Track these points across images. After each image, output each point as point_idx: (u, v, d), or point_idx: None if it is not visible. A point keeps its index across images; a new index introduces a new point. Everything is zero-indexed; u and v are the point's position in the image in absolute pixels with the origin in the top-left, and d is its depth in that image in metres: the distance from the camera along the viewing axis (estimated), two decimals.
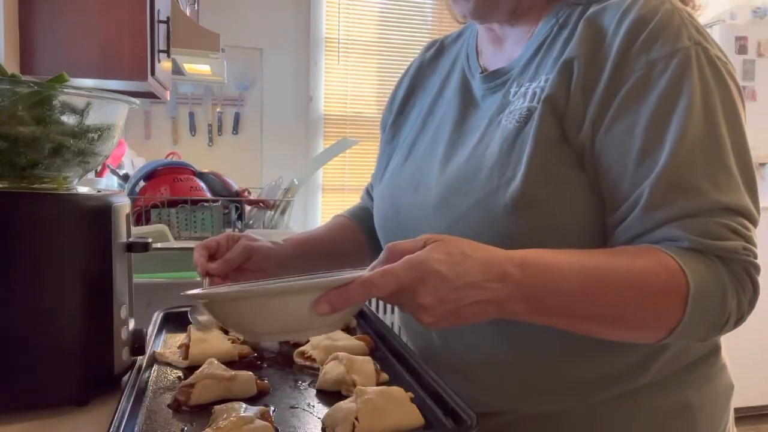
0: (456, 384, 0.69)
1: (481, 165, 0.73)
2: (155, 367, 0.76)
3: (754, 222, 0.65)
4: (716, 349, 0.80)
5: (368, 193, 1.07)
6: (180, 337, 0.83)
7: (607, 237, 0.69)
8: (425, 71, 0.96)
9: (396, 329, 0.91)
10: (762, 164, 3.15)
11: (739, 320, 0.65)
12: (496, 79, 0.80)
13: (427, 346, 0.83)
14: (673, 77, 0.65)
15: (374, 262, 0.59)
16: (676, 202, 0.63)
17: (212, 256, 0.86)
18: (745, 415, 3.12)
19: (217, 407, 0.60)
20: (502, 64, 0.81)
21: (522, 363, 0.75)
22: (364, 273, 0.56)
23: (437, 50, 0.96)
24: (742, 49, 3.17)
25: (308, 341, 0.81)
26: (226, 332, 0.86)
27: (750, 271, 0.64)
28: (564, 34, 0.73)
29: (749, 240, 0.63)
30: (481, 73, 0.83)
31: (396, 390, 0.63)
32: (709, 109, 0.65)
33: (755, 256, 0.64)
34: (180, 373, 0.74)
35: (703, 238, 0.62)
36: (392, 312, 3.39)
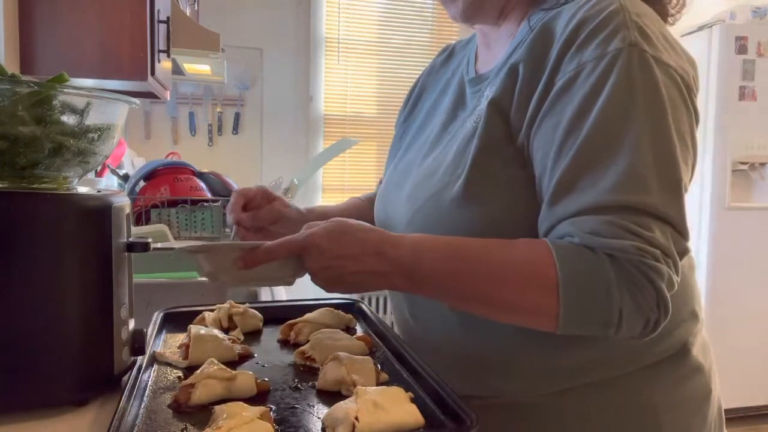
0: (432, 366, 0.72)
1: (441, 163, 0.78)
2: (155, 367, 0.76)
3: (669, 223, 0.63)
4: (684, 350, 0.79)
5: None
6: (180, 337, 0.83)
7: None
8: (435, 74, 1.00)
9: (396, 329, 0.91)
10: (762, 164, 3.15)
11: (648, 323, 0.64)
12: (480, 83, 0.83)
13: (408, 329, 0.89)
14: (597, 79, 0.65)
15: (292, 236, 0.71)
16: (571, 199, 0.65)
17: (245, 205, 0.96)
18: (745, 415, 3.12)
19: (217, 407, 0.60)
20: (489, 67, 0.84)
21: (477, 349, 0.78)
22: (264, 241, 0.71)
23: (448, 54, 1.00)
24: (742, 49, 3.17)
25: (308, 341, 0.81)
26: (225, 332, 0.86)
27: (646, 272, 0.62)
28: (529, 39, 0.75)
29: (649, 241, 0.62)
30: (472, 77, 0.87)
31: (396, 390, 0.63)
32: (627, 110, 0.64)
33: (655, 258, 0.62)
34: (180, 373, 0.74)
35: (591, 235, 0.63)
36: (392, 312, 3.39)
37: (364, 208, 1.08)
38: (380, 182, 1.11)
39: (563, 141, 0.66)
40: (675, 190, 0.64)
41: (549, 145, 0.68)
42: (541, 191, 0.70)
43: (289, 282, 0.74)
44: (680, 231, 0.64)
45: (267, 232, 0.95)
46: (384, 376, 0.72)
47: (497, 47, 0.84)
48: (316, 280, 0.69)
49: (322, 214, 1.04)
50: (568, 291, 0.63)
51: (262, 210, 0.96)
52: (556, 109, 0.67)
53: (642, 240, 0.62)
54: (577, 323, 0.64)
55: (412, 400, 0.62)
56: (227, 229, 0.97)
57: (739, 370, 2.98)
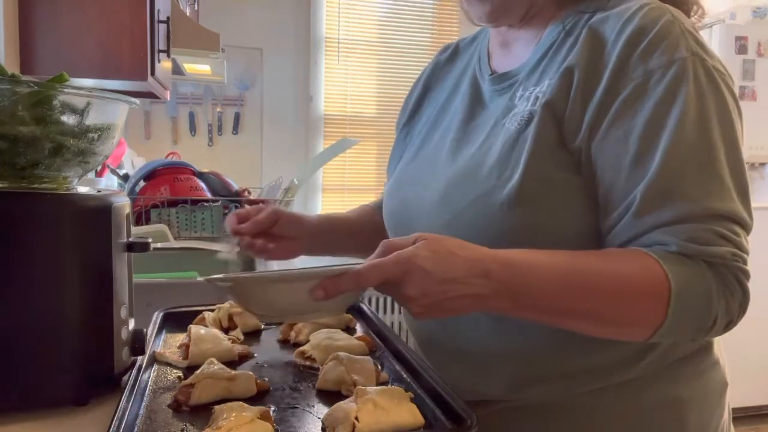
0: (455, 372, 0.71)
1: (482, 164, 0.75)
2: (155, 367, 0.76)
3: (746, 228, 0.67)
4: (708, 346, 0.81)
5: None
6: (180, 337, 0.83)
7: (600, 239, 0.71)
8: (440, 73, 0.98)
9: (396, 329, 0.91)
10: (762, 164, 3.15)
11: (729, 324, 0.67)
12: (504, 81, 0.82)
13: (430, 335, 0.85)
14: (668, 87, 0.66)
15: (371, 256, 0.63)
16: (666, 208, 0.65)
17: (242, 221, 0.93)
18: (745, 415, 3.12)
19: (217, 407, 0.60)
20: (511, 66, 0.83)
21: (516, 352, 0.76)
22: (358, 266, 0.61)
23: (453, 52, 0.99)
24: (742, 49, 3.17)
25: (308, 341, 0.81)
26: (225, 332, 0.86)
27: (739, 276, 0.65)
28: (569, 41, 0.75)
29: (739, 246, 0.65)
30: (491, 75, 0.85)
31: (396, 390, 0.63)
32: (703, 119, 0.66)
33: (744, 262, 0.65)
34: (180, 373, 0.74)
35: (690, 243, 0.64)
36: (392, 312, 3.40)
37: (374, 216, 1.05)
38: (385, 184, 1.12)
39: (641, 149, 0.66)
40: (747, 195, 0.68)
41: (621, 152, 0.67)
42: (609, 198, 0.69)
43: (341, 312, 0.69)
44: (749, 235, 0.68)
45: (271, 234, 0.93)
46: (384, 376, 0.72)
47: (517, 47, 0.84)
48: (413, 306, 0.61)
49: (329, 217, 1.03)
50: (679, 302, 0.63)
51: (260, 215, 0.93)
52: (625, 116, 0.67)
53: (734, 246, 0.65)
54: (674, 332, 0.65)
55: (412, 400, 0.62)
56: (229, 244, 0.93)
57: (740, 369, 2.97)
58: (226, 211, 2.09)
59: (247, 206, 0.96)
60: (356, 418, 0.57)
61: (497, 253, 0.63)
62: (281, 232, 0.93)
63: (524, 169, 0.70)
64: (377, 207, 1.07)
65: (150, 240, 0.75)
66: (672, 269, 0.63)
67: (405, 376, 0.73)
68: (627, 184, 0.67)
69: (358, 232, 1.04)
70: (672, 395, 0.77)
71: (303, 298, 0.62)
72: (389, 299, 3.73)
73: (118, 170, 2.33)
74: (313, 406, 0.66)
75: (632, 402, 0.77)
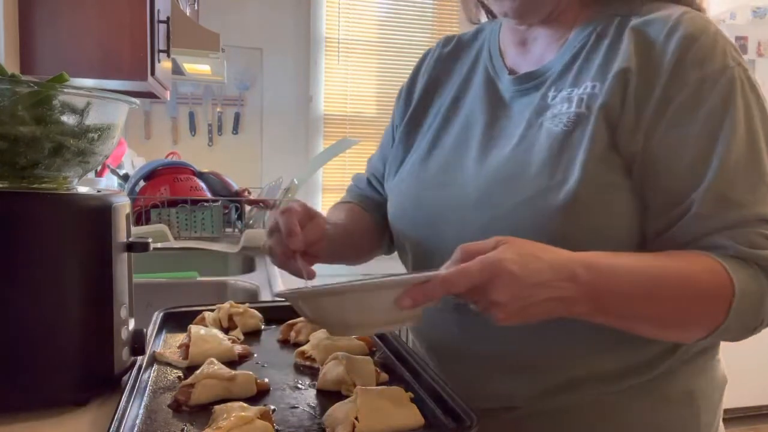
0: (475, 379, 0.71)
1: (526, 165, 0.74)
2: (155, 367, 0.75)
3: None
4: (715, 342, 0.83)
5: (370, 182, 1.04)
6: (180, 337, 0.83)
7: (642, 241, 0.72)
8: (444, 66, 0.96)
9: (421, 343, 0.90)
10: None
11: (764, 324, 0.69)
12: (528, 81, 0.81)
13: (445, 342, 0.83)
14: (721, 94, 0.69)
15: (447, 262, 0.62)
16: (723, 213, 0.67)
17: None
18: (744, 415, 3.12)
19: (217, 407, 0.60)
20: (532, 66, 0.82)
21: (547, 358, 0.76)
22: (441, 272, 0.60)
23: (456, 46, 0.96)
24: (742, 49, 3.17)
25: (308, 341, 0.81)
26: (225, 332, 0.86)
27: None
28: (605, 43, 0.75)
29: None
30: (510, 74, 0.84)
31: (396, 390, 0.63)
32: (750, 126, 0.69)
33: None
34: (180, 373, 0.74)
35: (746, 248, 0.66)
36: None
37: (362, 215, 0.99)
38: (368, 180, 1.04)
39: (698, 155, 0.68)
40: None
41: (678, 157, 0.69)
42: (663, 200, 0.70)
43: (418, 323, 0.65)
44: None
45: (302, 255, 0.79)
46: (384, 376, 0.72)
47: (536, 46, 0.83)
48: (500, 312, 0.60)
49: (341, 227, 0.92)
50: (739, 304, 0.65)
51: (306, 229, 0.79)
52: (682, 123, 0.69)
53: None
54: (727, 333, 0.68)
55: (412, 400, 0.62)
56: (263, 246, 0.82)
57: (739, 369, 2.97)
58: (226, 211, 2.09)
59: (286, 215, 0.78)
60: (356, 418, 0.57)
61: (581, 256, 0.63)
62: (314, 251, 0.81)
63: (582, 173, 0.70)
64: (367, 208, 1.00)
65: (150, 240, 0.75)
66: (734, 272, 0.65)
67: (405, 376, 0.73)
68: (683, 188, 0.69)
69: (352, 243, 0.96)
70: (688, 390, 0.79)
71: (385, 308, 0.60)
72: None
73: (118, 170, 2.33)
74: (313, 406, 0.66)
75: (654, 399, 0.77)
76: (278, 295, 0.69)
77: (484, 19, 0.97)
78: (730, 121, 0.68)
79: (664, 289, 0.65)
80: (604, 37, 0.75)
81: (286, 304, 1.00)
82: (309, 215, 0.80)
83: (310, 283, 0.74)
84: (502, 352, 0.78)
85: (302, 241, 0.76)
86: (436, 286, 0.59)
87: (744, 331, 0.69)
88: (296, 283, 0.81)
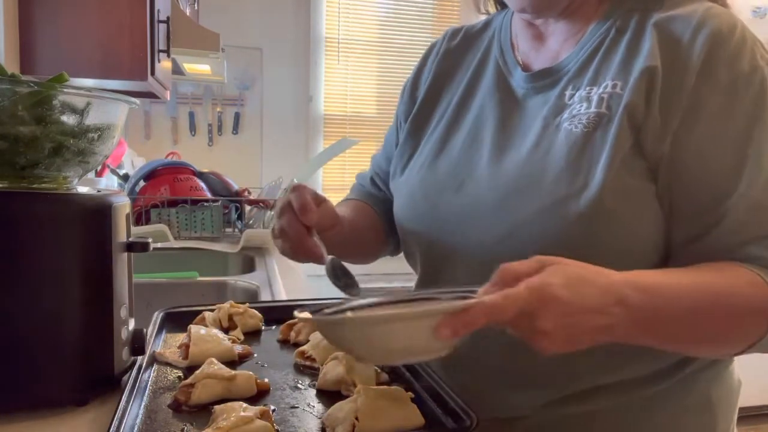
0: (483, 390, 0.69)
1: (544, 169, 0.71)
2: (155, 367, 0.75)
3: None
4: None
5: (373, 181, 1.01)
6: (180, 337, 0.83)
7: (665, 248, 0.70)
8: (451, 60, 0.92)
9: None
10: None
11: None
12: (544, 79, 0.78)
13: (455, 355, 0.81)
14: (753, 96, 0.66)
15: (486, 285, 0.56)
16: (760, 222, 0.65)
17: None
18: (745, 415, 3.11)
19: (217, 407, 0.60)
20: (546, 62, 0.79)
21: (559, 370, 0.74)
22: (482, 297, 0.53)
23: (463, 39, 0.92)
24: None
25: (308, 341, 0.81)
26: (225, 332, 0.86)
27: None
28: (625, 39, 0.72)
29: None
30: (523, 70, 0.81)
31: (396, 390, 0.63)
32: None
33: None
34: (180, 373, 0.74)
35: None
36: None
37: (369, 213, 0.96)
38: (371, 179, 1.01)
39: (732, 161, 0.66)
40: None
41: (709, 162, 0.66)
42: (692, 206, 0.67)
43: (450, 350, 0.56)
44: None
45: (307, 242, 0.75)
46: (384, 376, 0.72)
47: (552, 42, 0.80)
48: (546, 342, 0.55)
49: (349, 221, 0.87)
50: None
51: (323, 219, 0.76)
52: (714, 126, 0.66)
53: None
54: (760, 348, 0.65)
55: (412, 400, 0.62)
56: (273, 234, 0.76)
57: (739, 369, 2.98)
58: (226, 210, 2.09)
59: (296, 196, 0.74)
60: (356, 418, 0.57)
61: (628, 277, 0.59)
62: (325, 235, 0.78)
63: (603, 178, 0.66)
64: (375, 205, 0.97)
65: (150, 240, 0.75)
66: None
67: (405, 376, 0.73)
68: (717, 193, 0.66)
69: (359, 240, 0.93)
70: (705, 396, 0.77)
71: (421, 338, 0.53)
72: None
73: (118, 170, 2.33)
74: (313, 406, 0.66)
75: (672, 407, 0.76)
76: (303, 319, 0.61)
77: (492, 9, 0.94)
78: (763, 124, 0.66)
79: (711, 304, 0.63)
80: (624, 32, 0.72)
81: (286, 304, 1.00)
82: (319, 198, 0.77)
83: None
84: (512, 365, 0.75)
85: (317, 215, 0.72)
86: (479, 313, 0.52)
87: None
88: (299, 288, 0.78)
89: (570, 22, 0.78)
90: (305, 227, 0.74)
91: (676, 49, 0.68)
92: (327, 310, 0.58)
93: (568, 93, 0.74)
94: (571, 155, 0.69)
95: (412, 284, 0.90)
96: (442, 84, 0.90)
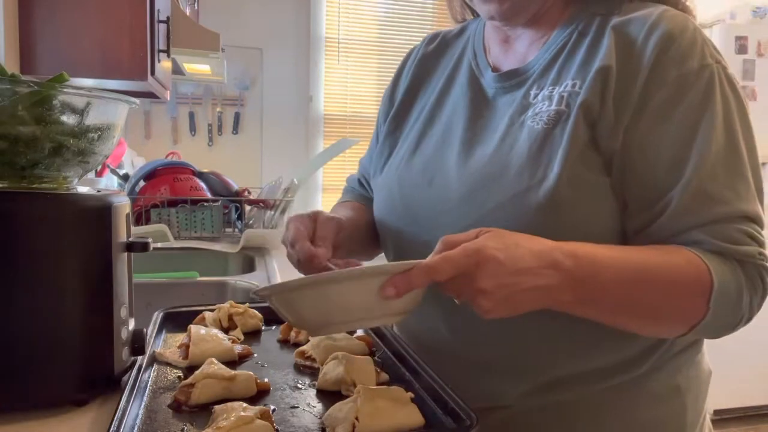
0: (466, 379, 0.71)
1: (507, 164, 0.74)
2: (155, 367, 0.76)
3: (763, 228, 0.70)
4: (700, 338, 0.84)
5: (361, 183, 1.06)
6: (180, 337, 0.83)
7: (623, 238, 0.73)
8: (428, 64, 0.96)
9: (395, 329, 0.91)
10: (763, 164, 3.16)
11: (747, 321, 0.70)
12: (511, 79, 0.81)
13: (439, 344, 0.83)
14: (701, 92, 0.69)
15: (433, 252, 0.61)
16: (703, 209, 0.68)
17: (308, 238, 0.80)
18: (744, 415, 3.12)
19: (217, 407, 0.60)
20: (515, 64, 0.83)
21: (535, 358, 0.77)
22: (418, 261, 0.58)
23: (440, 44, 0.97)
24: (742, 49, 3.17)
25: (308, 341, 0.81)
26: (225, 332, 0.86)
27: (762, 274, 0.69)
28: (586, 42, 0.75)
29: (763, 245, 0.68)
30: (493, 71, 0.84)
31: (396, 390, 0.63)
32: (729, 124, 0.70)
33: (767, 261, 0.69)
34: (180, 373, 0.74)
35: (725, 243, 0.67)
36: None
37: (365, 211, 0.98)
38: (359, 180, 1.05)
39: (677, 152, 0.69)
40: (762, 195, 0.71)
41: (656, 154, 0.69)
42: (642, 197, 0.70)
43: (400, 317, 0.62)
44: None
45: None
46: (384, 376, 0.72)
47: (519, 45, 0.84)
48: (486, 301, 0.59)
49: (350, 220, 0.90)
50: (719, 297, 0.66)
51: (322, 230, 0.80)
52: (661, 119, 0.69)
53: (759, 245, 0.68)
54: (709, 328, 0.68)
55: (412, 400, 0.62)
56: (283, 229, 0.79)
57: (739, 369, 2.98)
58: (226, 210, 2.09)
59: (296, 222, 0.80)
60: (356, 418, 0.57)
61: (564, 245, 0.63)
62: (336, 243, 0.81)
63: (560, 170, 0.70)
64: (364, 202, 1.00)
65: (150, 240, 0.75)
66: (713, 266, 0.66)
67: (405, 376, 0.73)
68: (663, 184, 0.69)
69: (366, 234, 0.96)
70: (673, 385, 0.80)
71: (367, 299, 0.57)
72: None
73: (118, 170, 2.33)
74: (313, 406, 0.66)
75: (642, 395, 0.78)
76: (254, 294, 0.64)
77: (468, 16, 0.97)
78: (709, 118, 0.69)
79: (647, 277, 0.65)
80: (585, 35, 0.76)
81: None
82: (311, 220, 0.81)
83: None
84: (490, 353, 0.78)
85: (324, 254, 0.76)
86: (419, 273, 0.57)
87: (726, 327, 0.69)
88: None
89: (536, 27, 0.82)
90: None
91: (630, 49, 0.71)
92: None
93: (533, 92, 0.78)
94: (532, 150, 0.73)
95: None
96: (420, 86, 0.95)
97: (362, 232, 0.95)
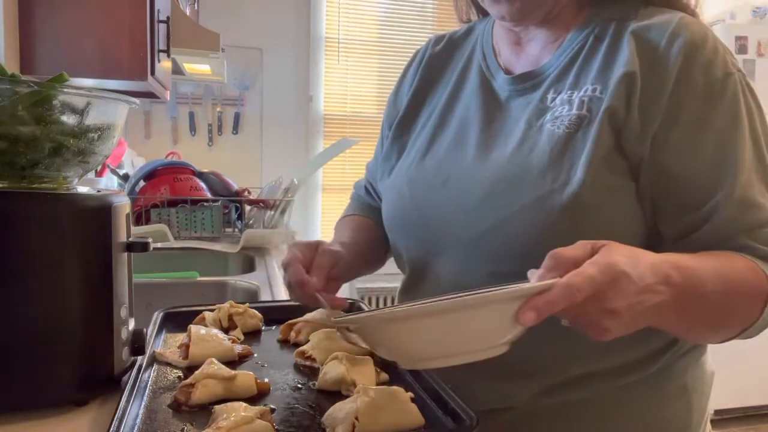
0: (475, 381, 0.70)
1: (528, 167, 0.74)
2: (155, 367, 0.75)
3: None
4: None
5: (367, 190, 1.06)
6: (180, 337, 0.83)
7: (646, 242, 0.72)
8: (436, 65, 0.95)
9: None
10: None
11: None
12: (525, 82, 0.81)
13: None
14: (730, 100, 0.70)
15: (540, 270, 0.56)
16: (746, 215, 0.69)
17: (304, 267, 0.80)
18: (744, 415, 3.12)
19: (217, 407, 0.60)
20: (527, 67, 0.82)
21: (548, 360, 0.76)
22: (554, 279, 0.53)
23: (447, 45, 0.96)
24: (742, 49, 3.17)
25: (308, 341, 0.81)
26: (225, 332, 0.86)
27: None
28: (603, 46, 0.76)
29: None
30: (505, 73, 0.84)
31: (396, 390, 0.63)
32: (754, 132, 0.72)
33: None
34: (180, 373, 0.74)
35: (766, 247, 0.68)
36: None
37: (368, 226, 0.98)
38: (365, 187, 1.06)
39: (715, 160, 0.70)
40: None
41: (691, 161, 0.70)
42: (679, 203, 0.71)
43: (504, 349, 0.55)
44: None
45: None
46: (384, 376, 0.72)
47: (532, 47, 0.84)
48: (612, 323, 0.54)
49: (350, 247, 0.90)
50: None
51: (320, 258, 0.81)
52: (694, 128, 0.70)
53: None
54: (753, 332, 0.69)
55: (413, 400, 0.62)
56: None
57: (739, 369, 2.98)
58: (226, 210, 2.09)
59: (294, 249, 0.81)
60: (356, 418, 0.57)
61: (667, 258, 0.61)
62: (333, 275, 0.82)
63: (584, 174, 0.70)
64: (374, 218, 0.99)
65: (150, 240, 0.75)
66: (766, 269, 0.67)
67: (405, 376, 0.73)
68: (704, 191, 0.70)
69: (367, 254, 0.96)
70: (681, 385, 0.80)
71: (496, 326, 0.51)
72: (389, 298, 3.73)
73: (118, 170, 2.33)
74: (313, 406, 0.66)
75: (652, 394, 0.78)
76: (341, 322, 0.60)
77: (474, 17, 0.97)
78: (740, 125, 0.70)
79: (729, 288, 0.66)
80: (602, 40, 0.76)
81: (286, 304, 1.00)
82: (311, 249, 0.82)
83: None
84: (503, 356, 0.76)
85: (315, 283, 0.77)
86: (561, 293, 0.51)
87: (759, 330, 0.70)
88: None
89: (549, 29, 0.82)
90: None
91: (652, 55, 0.72)
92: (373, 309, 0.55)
93: (549, 96, 0.78)
94: (554, 153, 0.73)
95: None
96: (428, 88, 0.94)
97: (363, 251, 0.94)
